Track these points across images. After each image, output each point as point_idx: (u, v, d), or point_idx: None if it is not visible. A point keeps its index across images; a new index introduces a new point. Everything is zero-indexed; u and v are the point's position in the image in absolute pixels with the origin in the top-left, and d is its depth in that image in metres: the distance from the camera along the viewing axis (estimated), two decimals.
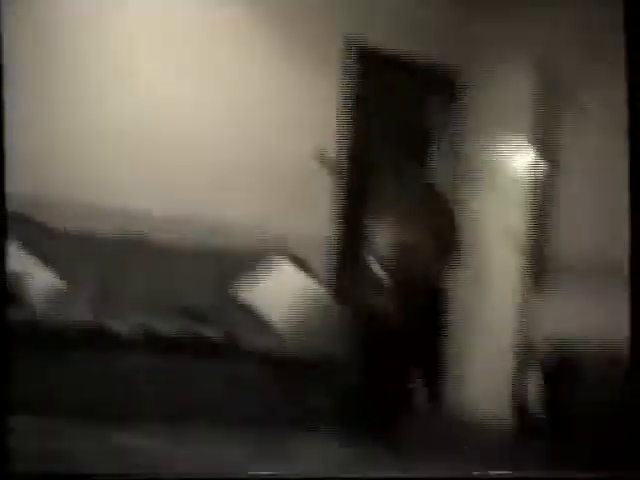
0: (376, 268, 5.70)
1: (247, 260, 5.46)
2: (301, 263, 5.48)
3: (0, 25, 1.94)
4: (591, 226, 5.43)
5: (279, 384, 4.45)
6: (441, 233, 5.99)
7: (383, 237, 6.01)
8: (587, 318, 5.13)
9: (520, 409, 5.31)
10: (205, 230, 5.53)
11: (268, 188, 5.80)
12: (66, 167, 5.09)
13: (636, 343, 2.20)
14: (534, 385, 5.08)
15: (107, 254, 5.04)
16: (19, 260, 4.23)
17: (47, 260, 4.54)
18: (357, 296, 5.84)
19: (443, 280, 6.11)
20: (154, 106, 5.43)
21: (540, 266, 5.74)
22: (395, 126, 7.70)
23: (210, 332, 4.56)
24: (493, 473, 2.75)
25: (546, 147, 5.80)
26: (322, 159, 6.02)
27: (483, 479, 2.73)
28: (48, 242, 4.70)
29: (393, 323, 5.44)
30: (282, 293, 5.19)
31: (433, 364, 6.18)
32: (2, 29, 1.92)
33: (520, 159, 5.90)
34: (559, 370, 4.94)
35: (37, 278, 4.36)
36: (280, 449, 3.81)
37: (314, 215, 5.94)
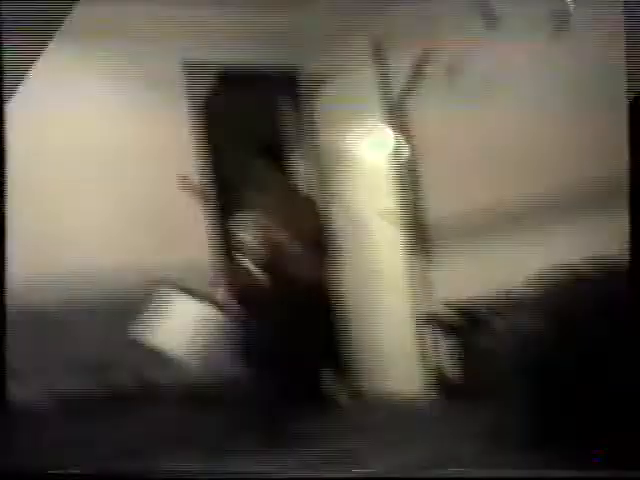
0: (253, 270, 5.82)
1: (139, 302, 5.46)
2: (190, 291, 5.47)
3: None
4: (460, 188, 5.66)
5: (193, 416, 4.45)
6: (308, 229, 6.11)
7: (255, 243, 6.09)
8: (482, 276, 5.35)
9: (437, 377, 5.44)
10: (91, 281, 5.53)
11: (143, 227, 5.84)
12: None
13: None
14: (445, 351, 5.21)
15: None
16: None
17: None
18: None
19: (324, 275, 6.22)
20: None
21: (422, 237, 5.93)
22: (249, 135, 7.79)
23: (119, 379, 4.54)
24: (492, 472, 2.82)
25: (402, 124, 5.98)
26: (186, 185, 6.06)
27: (481, 478, 2.80)
28: None
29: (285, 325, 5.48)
30: (178, 326, 5.20)
31: (334, 355, 6.26)
32: None
33: (378, 142, 6.05)
34: (467, 331, 5.10)
35: None
36: None
37: (192, 241, 5.97)
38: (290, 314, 5.79)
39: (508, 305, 3.83)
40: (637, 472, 2.24)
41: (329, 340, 6.29)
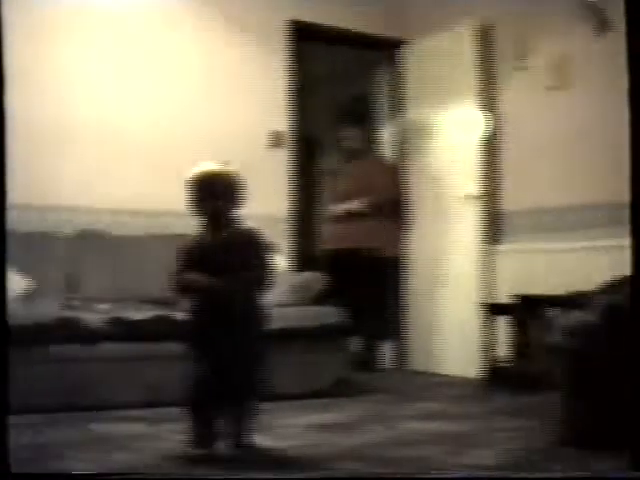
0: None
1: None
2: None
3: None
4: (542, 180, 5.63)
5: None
6: (386, 198, 6.13)
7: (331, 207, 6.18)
8: (550, 270, 5.34)
9: (491, 361, 5.44)
10: (160, 218, 5.68)
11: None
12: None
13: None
14: (504, 337, 5.21)
15: (71, 251, 5.18)
16: None
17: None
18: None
19: (391, 245, 6.24)
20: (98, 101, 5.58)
21: (496, 223, 5.93)
22: (340, 100, 7.84)
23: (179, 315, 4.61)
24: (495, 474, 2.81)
25: (490, 108, 5.96)
26: (276, 141, 6.14)
27: (483, 478, 2.80)
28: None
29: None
30: None
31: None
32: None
33: (465, 123, 6.05)
34: (527, 320, 5.10)
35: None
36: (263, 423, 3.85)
37: (270, 193, 6.04)
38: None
39: (574, 304, 3.82)
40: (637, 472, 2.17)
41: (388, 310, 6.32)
